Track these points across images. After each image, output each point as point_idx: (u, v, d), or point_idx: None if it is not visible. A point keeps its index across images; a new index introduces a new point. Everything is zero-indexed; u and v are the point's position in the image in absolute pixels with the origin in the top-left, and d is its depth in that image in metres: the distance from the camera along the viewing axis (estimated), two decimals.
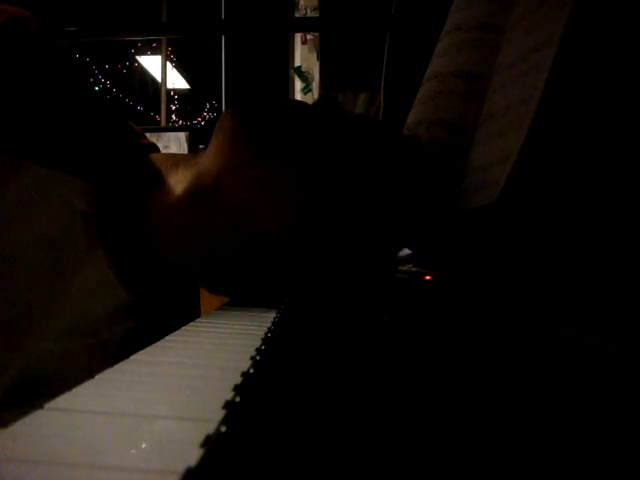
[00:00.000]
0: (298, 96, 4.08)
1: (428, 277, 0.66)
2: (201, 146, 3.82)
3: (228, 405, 0.27)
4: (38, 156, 0.60)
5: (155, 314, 0.68)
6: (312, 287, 0.68)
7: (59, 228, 0.61)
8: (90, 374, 0.61)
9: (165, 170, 0.67)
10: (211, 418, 0.25)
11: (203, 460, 0.21)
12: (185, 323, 0.55)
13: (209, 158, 0.66)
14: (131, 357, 0.38)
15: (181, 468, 0.20)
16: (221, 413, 0.26)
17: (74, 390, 0.29)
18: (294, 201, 0.63)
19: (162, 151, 0.74)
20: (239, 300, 0.75)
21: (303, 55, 4.20)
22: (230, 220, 0.63)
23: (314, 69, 3.74)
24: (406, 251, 1.01)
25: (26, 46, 0.60)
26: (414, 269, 0.81)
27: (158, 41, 6.92)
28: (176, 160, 0.69)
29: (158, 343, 0.44)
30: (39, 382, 0.58)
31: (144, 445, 0.22)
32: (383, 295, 0.72)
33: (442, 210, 0.65)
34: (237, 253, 0.64)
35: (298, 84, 4.19)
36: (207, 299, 0.77)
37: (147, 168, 0.68)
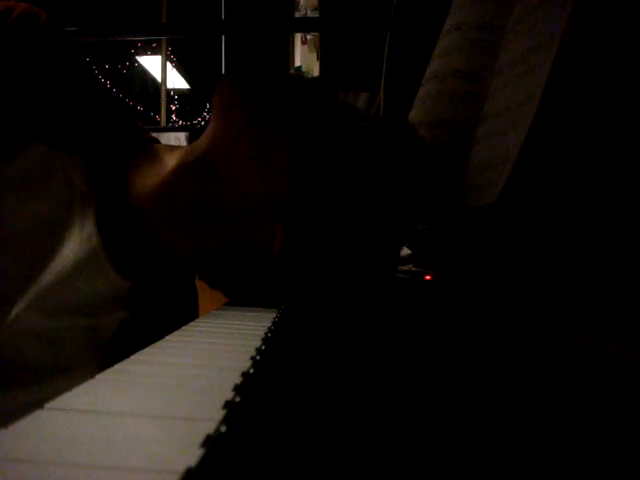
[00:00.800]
0: None
1: (428, 277, 0.66)
2: None
3: (228, 405, 0.27)
4: (44, 137, 0.64)
5: (151, 307, 0.67)
6: (310, 279, 0.68)
7: (57, 205, 0.63)
8: (81, 361, 0.60)
9: (163, 154, 0.68)
10: (211, 418, 0.25)
11: (203, 460, 0.21)
12: (182, 321, 0.55)
13: (205, 132, 0.66)
14: (131, 357, 0.38)
15: (181, 468, 0.20)
16: (221, 413, 0.26)
17: (74, 390, 0.29)
18: (286, 172, 0.62)
19: None
20: (238, 299, 0.74)
21: (303, 55, 4.20)
22: (222, 190, 0.62)
23: (314, 69, 3.74)
24: (406, 251, 1.01)
25: (35, 38, 0.66)
26: (414, 269, 0.81)
27: (158, 41, 6.92)
28: (172, 150, 0.70)
29: (158, 343, 0.44)
30: (27, 360, 0.58)
31: (144, 445, 0.22)
32: (384, 294, 0.72)
33: (440, 202, 0.65)
34: (230, 228, 0.64)
35: None
36: (206, 301, 0.77)
37: (147, 153, 0.69)
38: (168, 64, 7.05)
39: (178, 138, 4.93)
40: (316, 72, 3.35)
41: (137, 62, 8.52)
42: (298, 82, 0.68)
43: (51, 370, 0.59)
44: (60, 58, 0.68)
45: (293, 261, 0.65)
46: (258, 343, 0.44)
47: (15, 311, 0.59)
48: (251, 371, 0.35)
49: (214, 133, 0.64)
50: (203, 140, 0.64)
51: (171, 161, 0.65)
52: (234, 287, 0.74)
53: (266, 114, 0.63)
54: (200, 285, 0.75)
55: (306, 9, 3.80)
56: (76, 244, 0.62)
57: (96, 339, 0.62)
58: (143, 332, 0.63)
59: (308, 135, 0.63)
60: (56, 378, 0.60)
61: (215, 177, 0.63)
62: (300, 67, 4.00)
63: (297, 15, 3.83)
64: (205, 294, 0.75)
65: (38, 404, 0.25)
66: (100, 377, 0.32)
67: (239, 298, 0.75)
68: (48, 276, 0.61)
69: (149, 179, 0.65)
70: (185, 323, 0.55)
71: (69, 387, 0.58)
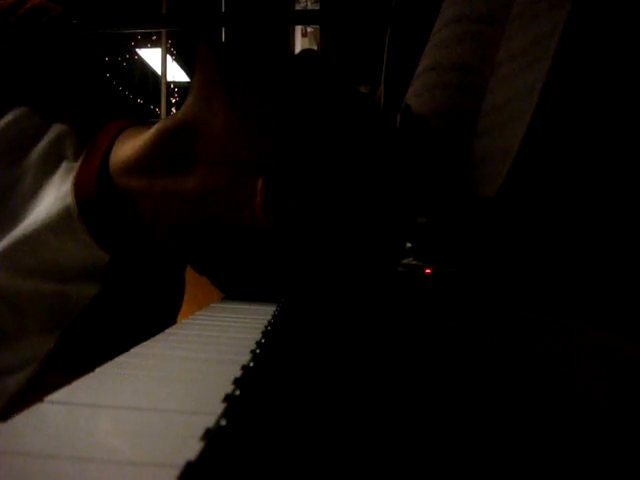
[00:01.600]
0: None
1: (428, 270, 0.66)
2: None
3: (228, 398, 0.27)
4: (39, 107, 0.68)
5: (129, 287, 0.65)
6: (309, 271, 0.67)
7: (39, 169, 0.65)
8: (44, 327, 0.59)
9: (149, 128, 0.66)
10: (211, 411, 0.25)
11: (203, 454, 0.21)
12: (161, 309, 0.55)
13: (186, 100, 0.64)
14: (131, 350, 0.38)
15: (181, 462, 0.20)
16: (221, 406, 0.26)
17: (74, 383, 0.29)
18: (270, 134, 0.61)
19: None
20: (233, 291, 0.73)
21: (303, 48, 4.19)
22: (200, 150, 0.61)
23: None
24: (406, 244, 1.01)
25: (47, 24, 0.72)
26: (414, 262, 0.81)
27: (158, 34, 6.90)
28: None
29: (158, 336, 0.44)
30: None
31: (144, 438, 0.22)
32: (384, 287, 0.72)
33: (440, 195, 0.65)
34: (209, 195, 0.62)
35: None
36: (204, 295, 0.75)
37: (135, 128, 0.68)
38: (168, 57, 7.03)
39: None
40: None
41: (137, 55, 8.50)
42: (285, 53, 0.69)
43: (13, 334, 0.58)
44: (68, 44, 0.72)
45: (290, 254, 0.65)
46: (258, 336, 0.44)
47: None
48: (251, 364, 0.35)
49: (195, 99, 0.62)
50: (184, 107, 0.63)
51: (152, 130, 0.64)
52: (223, 273, 0.72)
53: (250, 80, 0.62)
54: (199, 280, 0.73)
55: (306, 1, 3.79)
56: (51, 203, 0.62)
57: (63, 307, 0.60)
58: (115, 313, 0.62)
59: (296, 101, 0.62)
60: (17, 343, 0.58)
61: (193, 138, 0.61)
62: None
63: (297, 7, 3.82)
64: (204, 289, 0.74)
65: None
66: (100, 370, 0.32)
67: (230, 287, 0.73)
68: (17, 234, 0.60)
69: (129, 148, 0.64)
70: (165, 312, 0.54)
71: (28, 352, 0.57)
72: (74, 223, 0.61)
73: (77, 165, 0.64)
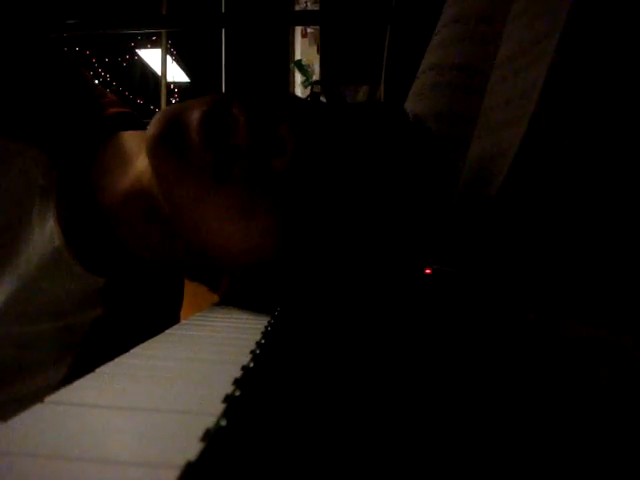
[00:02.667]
0: (298, 89, 4.07)
1: (428, 271, 0.66)
2: None
3: (228, 399, 0.27)
4: (3, 128, 0.59)
5: (128, 302, 0.64)
6: (310, 284, 0.65)
7: (15, 202, 0.58)
8: (52, 361, 0.57)
9: (129, 151, 0.61)
10: (211, 412, 0.25)
11: (203, 454, 0.21)
12: (164, 317, 0.54)
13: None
14: (131, 350, 0.38)
15: (181, 462, 0.20)
16: (221, 407, 0.26)
17: (74, 383, 0.29)
18: (271, 234, 0.55)
19: None
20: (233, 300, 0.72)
21: (303, 48, 4.19)
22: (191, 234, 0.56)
23: (314, 62, 3.73)
24: None
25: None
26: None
27: (158, 34, 6.90)
28: (142, 140, 0.60)
29: (158, 337, 0.44)
30: None
31: (144, 439, 0.22)
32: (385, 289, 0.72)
33: (444, 203, 0.64)
34: (198, 254, 0.59)
35: (298, 77, 4.18)
36: (203, 300, 0.74)
37: (112, 142, 0.62)
38: (168, 57, 7.03)
39: None
40: (316, 65, 3.35)
41: (137, 55, 8.50)
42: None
43: (26, 370, 0.57)
44: (32, 58, 0.63)
45: (289, 273, 0.61)
46: (258, 337, 0.44)
47: None
48: (251, 365, 0.35)
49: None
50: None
51: (139, 161, 0.58)
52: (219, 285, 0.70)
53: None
54: (198, 287, 0.72)
55: (306, 2, 3.79)
56: (38, 246, 0.58)
57: (69, 339, 0.59)
58: (119, 328, 0.60)
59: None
60: (30, 376, 0.57)
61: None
62: (300, 60, 3.98)
63: (297, 8, 3.82)
64: (204, 290, 0.73)
65: (3, 406, 0.24)
66: (100, 370, 0.32)
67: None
68: (12, 283, 0.57)
69: (116, 179, 0.59)
70: (166, 313, 0.53)
71: (37, 387, 0.55)
72: (66, 261, 0.58)
73: (53, 191, 0.59)
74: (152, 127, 0.54)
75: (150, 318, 0.66)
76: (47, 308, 0.58)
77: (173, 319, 0.72)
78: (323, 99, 0.66)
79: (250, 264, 0.58)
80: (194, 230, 0.55)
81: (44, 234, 0.58)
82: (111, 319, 0.61)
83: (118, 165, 0.60)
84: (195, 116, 0.52)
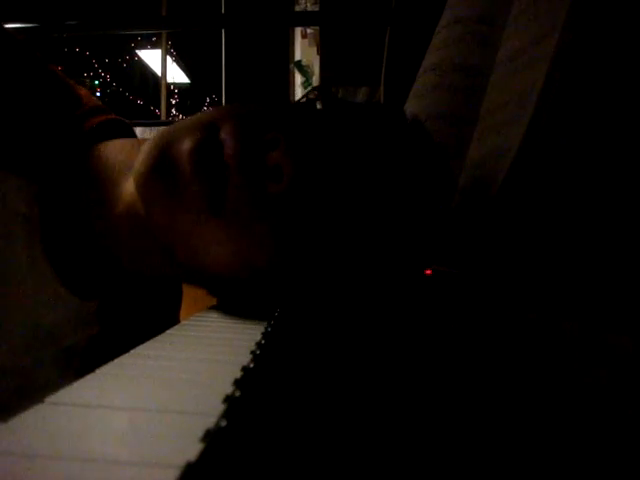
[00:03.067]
0: (298, 90, 4.07)
1: (428, 272, 0.66)
2: None
3: (228, 399, 0.27)
4: None
5: (125, 317, 0.63)
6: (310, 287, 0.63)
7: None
8: (57, 384, 0.57)
9: (117, 167, 0.58)
10: (211, 412, 0.25)
11: (203, 454, 0.21)
12: (163, 320, 0.53)
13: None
14: (131, 351, 0.38)
15: (181, 462, 0.20)
16: (221, 407, 0.26)
17: (75, 384, 0.29)
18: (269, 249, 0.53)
19: None
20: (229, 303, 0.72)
21: (303, 49, 4.19)
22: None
23: (314, 63, 3.73)
24: None
25: None
26: None
27: (158, 35, 6.91)
28: (130, 154, 0.58)
29: (157, 337, 0.44)
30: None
31: (144, 439, 0.22)
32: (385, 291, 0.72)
33: (445, 203, 0.63)
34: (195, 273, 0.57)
35: (298, 78, 4.18)
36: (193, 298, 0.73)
37: (94, 162, 0.58)
38: (168, 58, 7.04)
39: None
40: (316, 66, 3.35)
41: (137, 56, 8.51)
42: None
43: (19, 400, 0.55)
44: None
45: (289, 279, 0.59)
46: (258, 337, 0.44)
47: None
48: (251, 365, 0.35)
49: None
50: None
51: (129, 182, 0.55)
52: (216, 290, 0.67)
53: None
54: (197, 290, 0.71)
55: (306, 3, 3.79)
56: (27, 276, 0.56)
57: (69, 360, 0.58)
58: (117, 340, 0.58)
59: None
60: (22, 403, 0.56)
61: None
62: (300, 61, 3.98)
63: (297, 9, 3.83)
64: (204, 291, 0.73)
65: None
66: (100, 371, 0.32)
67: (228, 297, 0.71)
68: (7, 319, 0.55)
69: (106, 199, 0.57)
70: (164, 323, 0.52)
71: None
72: (58, 291, 0.56)
73: (36, 218, 0.56)
74: (140, 164, 0.52)
75: (149, 324, 0.65)
76: (44, 335, 0.57)
77: (172, 322, 0.71)
78: (319, 105, 0.64)
79: (248, 278, 0.57)
80: (191, 257, 0.54)
81: (32, 264, 0.56)
82: (108, 335, 0.60)
83: (106, 184, 0.57)
84: (184, 148, 0.50)
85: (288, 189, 0.51)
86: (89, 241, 0.58)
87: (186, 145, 0.51)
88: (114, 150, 0.59)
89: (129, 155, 0.57)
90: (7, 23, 1.85)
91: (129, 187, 0.55)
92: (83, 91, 0.64)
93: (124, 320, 0.63)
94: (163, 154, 0.51)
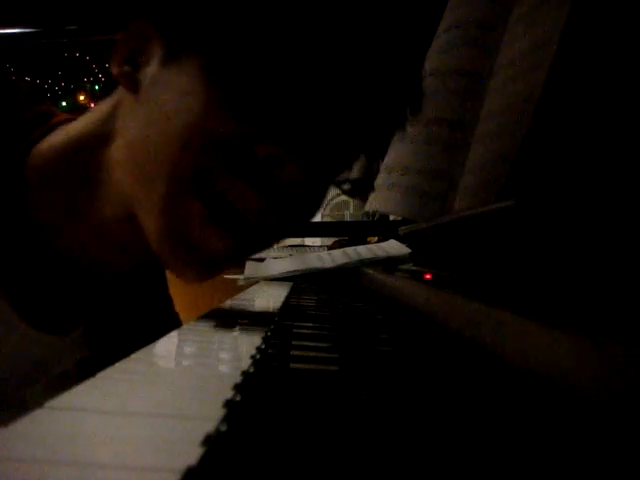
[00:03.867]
0: None
1: (428, 276, 0.66)
2: None
3: (228, 404, 0.27)
4: None
5: (116, 332, 0.62)
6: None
7: None
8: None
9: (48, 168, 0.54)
10: (211, 417, 0.25)
11: (203, 459, 0.21)
12: (160, 325, 0.53)
13: None
14: (131, 355, 0.38)
15: (182, 467, 0.20)
16: (221, 412, 0.26)
17: (74, 389, 0.29)
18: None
19: None
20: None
21: None
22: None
23: None
24: (406, 250, 1.01)
25: None
26: (414, 268, 0.81)
27: None
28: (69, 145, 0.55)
29: (157, 342, 0.44)
30: None
31: (144, 443, 0.22)
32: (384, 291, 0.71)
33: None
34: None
35: None
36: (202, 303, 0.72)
37: (37, 174, 0.55)
38: None
39: None
40: None
41: None
42: None
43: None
44: None
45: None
46: (258, 342, 0.44)
47: None
48: (251, 370, 0.34)
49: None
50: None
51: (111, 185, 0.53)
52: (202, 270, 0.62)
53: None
54: (198, 286, 0.70)
55: None
56: (2, 341, 0.54)
57: (62, 382, 0.57)
58: (111, 354, 0.59)
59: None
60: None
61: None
62: None
63: None
64: (204, 295, 0.73)
65: None
66: (99, 376, 0.32)
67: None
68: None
69: (73, 212, 0.55)
70: (160, 327, 0.52)
71: None
72: (28, 333, 0.55)
73: None
74: (154, 233, 0.51)
75: (142, 315, 0.65)
76: (35, 370, 0.58)
77: (173, 318, 0.71)
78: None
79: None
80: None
81: (3, 326, 0.54)
82: (101, 354, 0.59)
83: (66, 195, 0.55)
84: (194, 211, 0.49)
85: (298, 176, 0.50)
86: (58, 268, 0.57)
87: (195, 209, 0.49)
88: (47, 153, 0.55)
89: (65, 149, 0.55)
90: (8, 28, 1.85)
91: (102, 191, 0.53)
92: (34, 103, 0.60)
93: (116, 333, 0.62)
94: (173, 219, 0.50)
